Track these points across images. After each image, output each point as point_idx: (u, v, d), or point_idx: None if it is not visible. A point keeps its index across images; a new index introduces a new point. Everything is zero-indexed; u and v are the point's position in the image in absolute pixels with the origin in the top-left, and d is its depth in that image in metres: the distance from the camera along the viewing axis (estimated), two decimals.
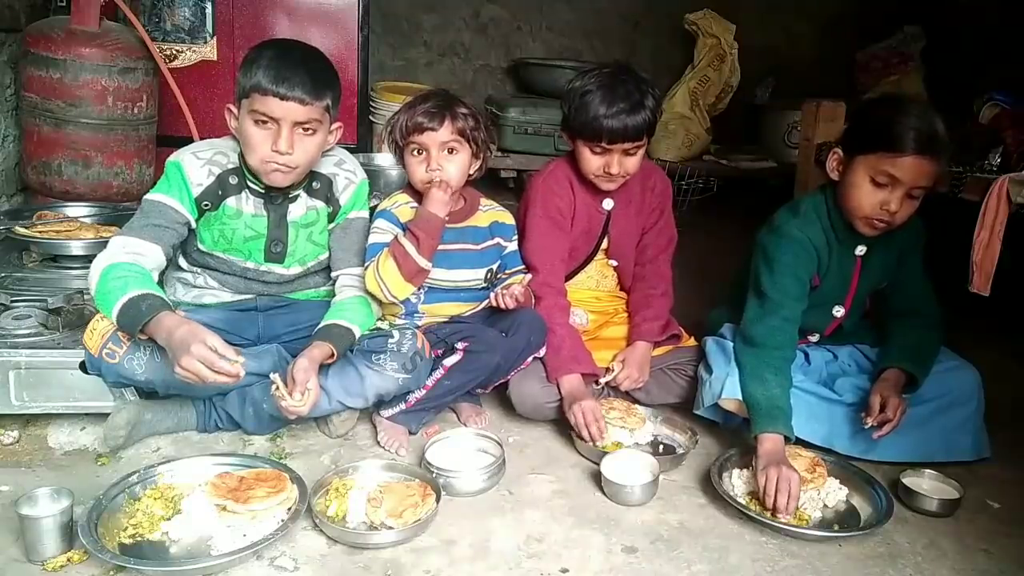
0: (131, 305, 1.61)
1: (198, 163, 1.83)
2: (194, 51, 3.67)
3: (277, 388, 1.64)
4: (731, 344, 1.98)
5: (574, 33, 5.15)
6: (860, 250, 1.95)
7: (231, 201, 1.86)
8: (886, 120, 1.78)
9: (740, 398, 1.86)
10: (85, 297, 1.93)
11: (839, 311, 2.02)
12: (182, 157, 1.83)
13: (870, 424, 1.81)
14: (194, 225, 1.85)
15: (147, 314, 1.60)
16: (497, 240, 2.06)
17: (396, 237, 1.86)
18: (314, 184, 1.93)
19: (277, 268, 1.94)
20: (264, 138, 1.75)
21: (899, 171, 1.74)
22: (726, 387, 1.89)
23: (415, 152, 1.92)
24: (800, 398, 1.89)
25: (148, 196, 1.82)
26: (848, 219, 1.88)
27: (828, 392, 1.96)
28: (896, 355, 1.94)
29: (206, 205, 1.84)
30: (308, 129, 1.78)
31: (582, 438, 1.88)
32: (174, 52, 3.62)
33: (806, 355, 2.09)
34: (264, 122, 1.74)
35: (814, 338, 2.11)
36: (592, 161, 2.00)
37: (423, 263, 1.84)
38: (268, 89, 1.71)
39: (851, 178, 1.83)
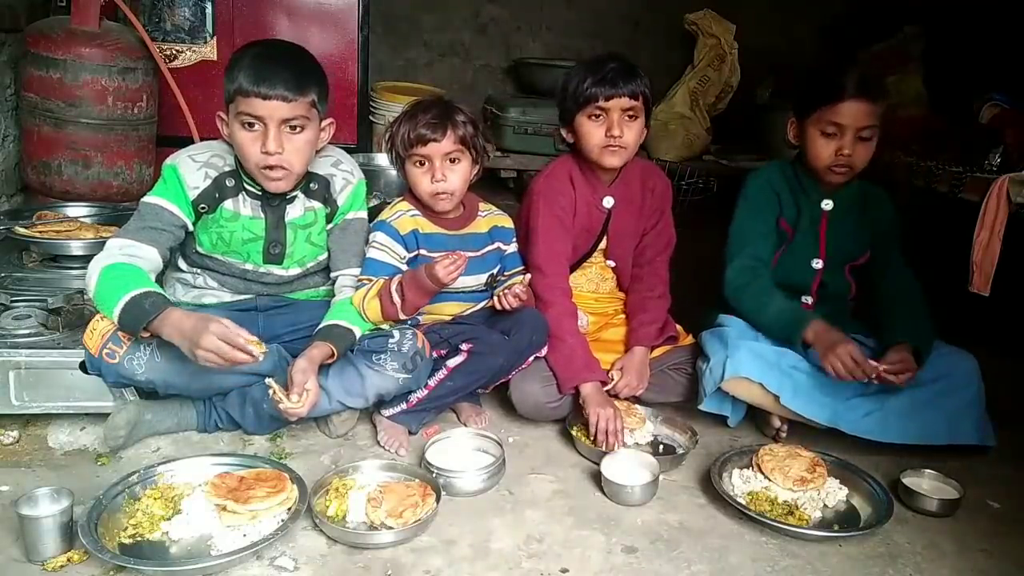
0: (134, 304, 1.62)
1: (194, 166, 1.82)
2: (194, 51, 3.66)
3: (275, 392, 1.64)
4: (725, 329, 2.01)
5: (574, 33, 5.14)
6: (826, 204, 2.09)
7: (228, 204, 1.86)
8: (816, 79, 2.04)
9: (743, 376, 1.89)
10: (85, 297, 1.93)
11: (817, 263, 2.09)
12: (178, 160, 1.83)
13: (883, 369, 1.82)
14: (191, 228, 1.85)
15: (151, 311, 1.60)
16: (497, 245, 2.06)
17: (390, 282, 1.85)
18: (311, 185, 1.92)
19: (276, 269, 1.93)
20: (253, 140, 1.75)
21: (840, 117, 1.94)
22: (727, 368, 1.91)
23: (418, 163, 1.91)
24: (801, 379, 1.93)
25: (144, 199, 1.82)
26: (815, 176, 2.06)
27: (825, 376, 1.97)
28: (900, 333, 1.96)
29: (203, 208, 1.83)
30: (295, 127, 1.77)
31: (594, 441, 1.88)
32: (174, 52, 3.61)
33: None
34: (251, 124, 1.74)
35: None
36: (594, 132, 2.00)
37: (402, 316, 1.86)
38: (250, 90, 1.71)
39: (806, 139, 2.03)
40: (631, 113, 1.99)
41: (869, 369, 1.79)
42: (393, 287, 1.83)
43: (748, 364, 1.90)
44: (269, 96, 1.71)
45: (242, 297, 1.95)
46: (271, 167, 1.76)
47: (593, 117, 1.99)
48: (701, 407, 2.01)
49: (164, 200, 1.80)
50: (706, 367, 1.97)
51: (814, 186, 2.07)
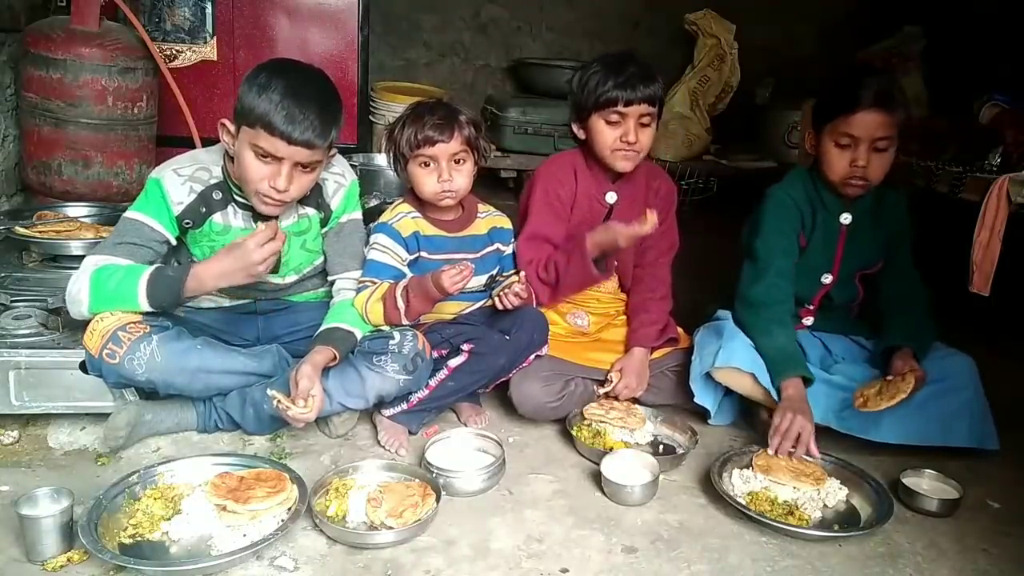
0: (155, 279, 1.66)
1: (178, 180, 1.80)
2: (194, 51, 3.67)
3: (279, 402, 1.64)
4: (720, 323, 2.03)
5: (574, 33, 5.15)
6: (845, 218, 2.05)
7: (217, 217, 1.83)
8: (833, 88, 1.99)
9: (734, 365, 1.91)
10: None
11: (827, 278, 2.08)
12: (163, 174, 1.80)
13: (891, 377, 1.89)
14: (173, 242, 1.83)
15: (179, 275, 1.63)
16: (496, 246, 2.06)
17: (394, 287, 1.84)
18: None
19: (272, 278, 1.91)
20: (262, 173, 1.71)
21: (854, 128, 1.90)
22: (719, 357, 1.93)
23: (423, 164, 1.91)
24: None
25: (126, 214, 1.80)
26: (832, 188, 2.01)
27: (823, 374, 2.00)
28: (899, 335, 1.98)
29: (187, 223, 1.81)
30: (309, 169, 1.75)
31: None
32: (174, 52, 3.62)
33: (800, 346, 2.10)
34: (265, 158, 1.70)
35: (808, 321, 2.14)
36: (608, 134, 2.00)
37: (405, 322, 1.85)
38: (276, 129, 1.65)
39: (822, 150, 1.99)
40: (647, 120, 1.99)
41: (801, 453, 1.79)
42: (398, 292, 1.83)
43: (741, 354, 1.92)
44: (295, 142, 1.67)
45: (241, 301, 1.95)
46: (272, 199, 1.74)
47: (609, 121, 1.98)
48: (712, 422, 2.04)
49: (144, 215, 1.78)
50: (697, 357, 2.00)
51: (833, 199, 2.03)
